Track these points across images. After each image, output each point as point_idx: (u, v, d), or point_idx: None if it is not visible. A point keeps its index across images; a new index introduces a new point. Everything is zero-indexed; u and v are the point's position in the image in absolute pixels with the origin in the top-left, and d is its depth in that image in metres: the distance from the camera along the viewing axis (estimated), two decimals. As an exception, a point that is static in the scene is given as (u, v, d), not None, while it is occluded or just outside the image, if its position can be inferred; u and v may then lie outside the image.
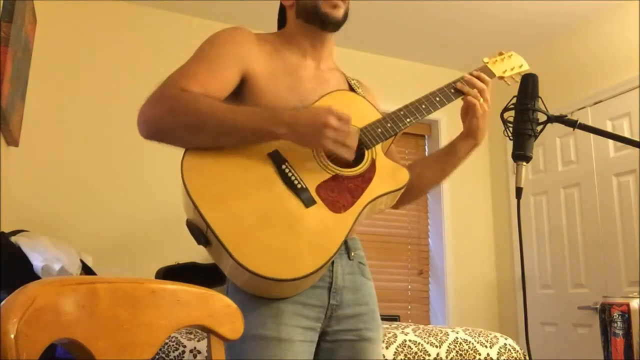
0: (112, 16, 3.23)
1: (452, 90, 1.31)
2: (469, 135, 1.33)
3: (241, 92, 1.21)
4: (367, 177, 1.19)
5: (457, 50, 3.80)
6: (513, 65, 1.43)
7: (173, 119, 1.09)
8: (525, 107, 1.13)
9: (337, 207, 1.13)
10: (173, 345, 1.62)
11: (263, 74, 1.22)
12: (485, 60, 1.43)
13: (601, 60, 3.28)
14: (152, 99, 1.12)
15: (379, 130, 1.23)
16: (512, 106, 1.16)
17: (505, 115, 1.17)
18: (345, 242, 1.22)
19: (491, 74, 1.40)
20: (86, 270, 2.29)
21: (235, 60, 1.19)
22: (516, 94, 1.18)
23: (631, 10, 3.09)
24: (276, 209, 1.09)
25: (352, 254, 1.26)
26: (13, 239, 2.08)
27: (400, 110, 1.27)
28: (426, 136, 4.03)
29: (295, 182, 1.12)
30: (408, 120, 1.26)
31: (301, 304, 1.13)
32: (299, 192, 1.11)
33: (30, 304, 0.62)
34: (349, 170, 1.18)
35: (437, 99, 1.30)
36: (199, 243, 1.08)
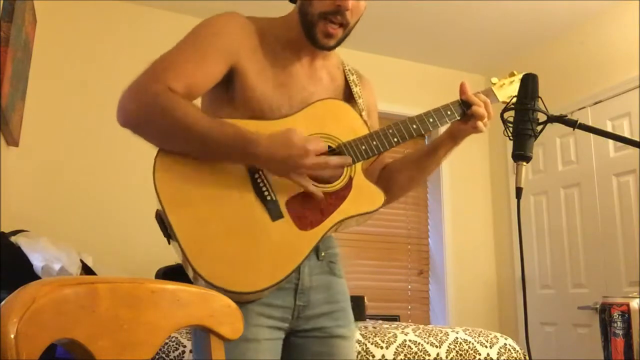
0: (112, 16, 3.23)
1: (449, 113, 1.27)
2: (452, 138, 1.31)
3: (230, 83, 1.18)
4: (341, 195, 1.16)
5: (458, 51, 3.81)
6: None
7: (149, 118, 1.08)
8: (525, 107, 1.13)
9: (304, 223, 1.11)
10: (173, 345, 1.62)
11: (252, 68, 1.18)
12: (494, 81, 1.39)
13: (601, 60, 3.28)
14: (134, 90, 1.09)
15: (363, 147, 1.19)
16: (512, 106, 1.16)
17: (505, 115, 1.17)
18: None
19: (494, 99, 1.36)
20: (86, 270, 2.29)
21: (225, 53, 1.16)
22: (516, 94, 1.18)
23: (631, 10, 3.09)
24: (242, 219, 1.08)
25: (322, 254, 1.22)
26: (13, 239, 2.08)
27: (389, 128, 1.23)
28: (426, 136, 4.03)
29: (265, 193, 1.11)
30: (395, 140, 1.22)
31: (266, 304, 1.12)
32: (268, 203, 1.10)
33: (30, 304, 0.62)
34: (323, 186, 1.15)
35: (431, 120, 1.26)
36: (164, 236, 1.08)
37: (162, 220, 1.07)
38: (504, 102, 1.36)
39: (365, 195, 1.18)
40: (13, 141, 2.64)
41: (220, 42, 1.17)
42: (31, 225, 2.44)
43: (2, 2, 2.19)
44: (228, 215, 1.08)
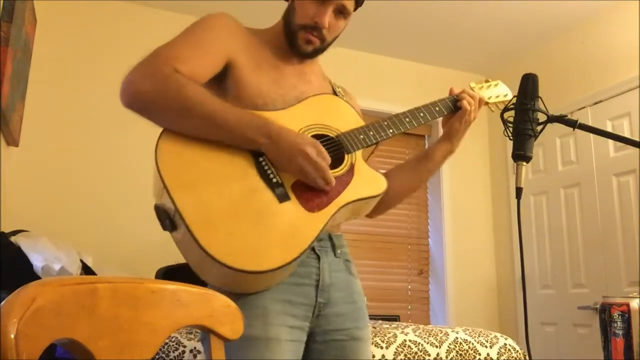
0: (112, 16, 3.23)
1: (437, 109, 1.34)
2: (447, 138, 1.37)
3: (224, 78, 1.20)
4: (344, 181, 1.18)
5: (457, 51, 3.80)
6: (498, 93, 1.48)
7: (163, 99, 1.08)
8: (525, 107, 1.13)
9: (311, 206, 1.11)
10: (173, 345, 1.62)
11: (247, 64, 1.21)
12: (472, 85, 1.47)
13: (601, 60, 3.28)
14: (145, 71, 1.10)
15: (361, 136, 1.23)
16: (512, 106, 1.16)
17: (505, 115, 1.17)
18: (331, 239, 1.22)
19: None
20: (86, 270, 2.29)
21: (223, 47, 1.19)
22: (516, 94, 1.18)
23: (631, 10, 3.09)
24: (248, 201, 1.07)
25: (339, 251, 1.24)
26: (13, 239, 2.08)
27: (384, 120, 1.28)
28: (426, 136, 4.03)
29: (271, 175, 1.11)
30: (390, 131, 1.27)
31: (288, 302, 1.12)
32: (274, 186, 1.10)
33: (30, 304, 0.62)
34: None
35: (422, 114, 1.32)
36: (164, 228, 1.05)
37: (162, 211, 1.05)
38: (485, 103, 1.46)
39: (367, 180, 1.21)
40: (13, 141, 2.64)
41: (218, 37, 1.20)
42: (31, 225, 2.43)
43: (2, 2, 2.19)
44: (234, 198, 1.07)
